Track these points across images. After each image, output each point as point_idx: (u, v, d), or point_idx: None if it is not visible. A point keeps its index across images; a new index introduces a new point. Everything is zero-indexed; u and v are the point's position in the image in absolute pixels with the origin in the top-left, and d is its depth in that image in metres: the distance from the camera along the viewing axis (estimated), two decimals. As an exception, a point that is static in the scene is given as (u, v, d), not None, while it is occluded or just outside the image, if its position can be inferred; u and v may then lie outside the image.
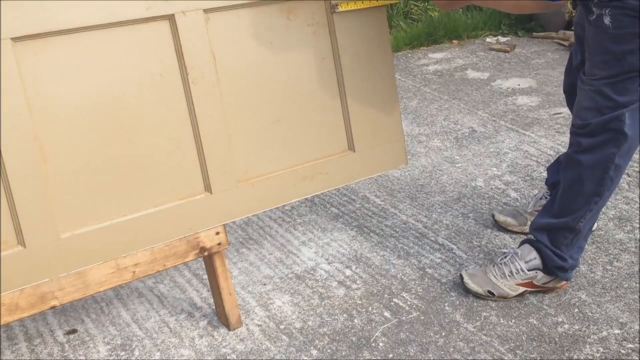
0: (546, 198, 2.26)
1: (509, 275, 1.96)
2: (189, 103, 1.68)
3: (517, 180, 2.69)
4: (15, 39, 1.45)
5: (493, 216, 2.36)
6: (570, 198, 1.90)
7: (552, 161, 2.35)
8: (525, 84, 3.80)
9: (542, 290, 1.98)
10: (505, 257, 2.00)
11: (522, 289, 1.96)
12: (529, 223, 2.21)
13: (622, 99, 1.76)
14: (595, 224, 2.21)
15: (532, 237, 2.00)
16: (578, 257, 1.98)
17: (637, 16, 1.68)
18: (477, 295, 1.98)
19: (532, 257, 1.96)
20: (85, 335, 1.93)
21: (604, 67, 1.76)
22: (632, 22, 1.69)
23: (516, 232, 2.29)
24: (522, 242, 2.03)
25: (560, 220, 1.91)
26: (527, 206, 2.34)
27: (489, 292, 1.96)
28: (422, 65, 4.21)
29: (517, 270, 1.96)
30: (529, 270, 1.95)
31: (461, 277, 2.02)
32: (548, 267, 1.95)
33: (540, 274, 1.95)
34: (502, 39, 4.65)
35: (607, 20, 1.71)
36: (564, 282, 1.99)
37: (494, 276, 1.98)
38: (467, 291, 2.00)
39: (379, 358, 1.79)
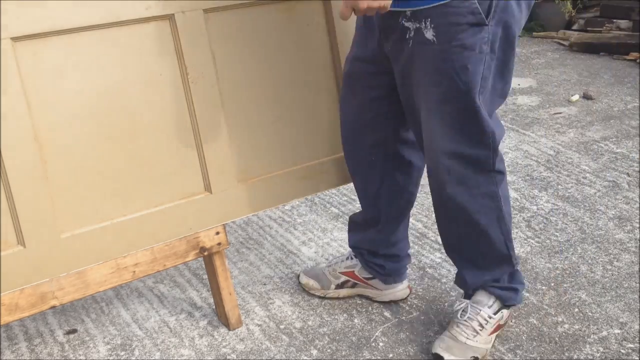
0: (352, 258, 2.01)
1: (478, 332, 1.75)
2: (189, 103, 1.68)
3: (517, 180, 2.69)
4: (15, 39, 1.45)
5: (298, 277, 2.11)
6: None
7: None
8: (525, 83, 3.80)
9: (504, 323, 1.83)
10: (461, 317, 1.77)
11: (493, 336, 1.79)
12: (332, 287, 2.01)
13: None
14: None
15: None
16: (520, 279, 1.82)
17: (465, 23, 1.46)
18: None
19: (492, 301, 1.77)
20: (85, 335, 1.93)
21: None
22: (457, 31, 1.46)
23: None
24: (473, 291, 1.81)
25: (496, 273, 1.76)
26: (331, 266, 2.04)
27: (475, 358, 1.73)
28: (422, 65, 4.20)
29: (484, 320, 1.75)
30: (494, 313, 1.77)
31: (441, 357, 1.72)
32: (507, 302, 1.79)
33: (505, 312, 1.79)
34: (502, 39, 4.64)
35: (429, 34, 1.49)
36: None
37: (467, 338, 1.74)
38: None
39: (379, 358, 1.79)
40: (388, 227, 1.90)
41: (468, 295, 1.81)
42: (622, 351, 1.77)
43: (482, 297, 1.78)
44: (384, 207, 1.86)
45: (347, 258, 2.02)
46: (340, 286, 2.01)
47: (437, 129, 1.58)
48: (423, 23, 1.48)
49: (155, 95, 1.64)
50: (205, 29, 1.66)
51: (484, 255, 1.74)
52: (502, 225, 1.69)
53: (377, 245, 1.93)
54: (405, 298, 1.99)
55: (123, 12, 1.56)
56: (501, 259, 1.74)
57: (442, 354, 1.72)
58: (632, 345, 1.79)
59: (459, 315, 1.77)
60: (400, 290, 1.99)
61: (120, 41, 1.58)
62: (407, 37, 1.52)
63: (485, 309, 1.76)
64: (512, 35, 1.52)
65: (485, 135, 1.58)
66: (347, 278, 1.99)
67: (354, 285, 2.00)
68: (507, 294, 1.78)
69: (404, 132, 1.78)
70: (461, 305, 1.79)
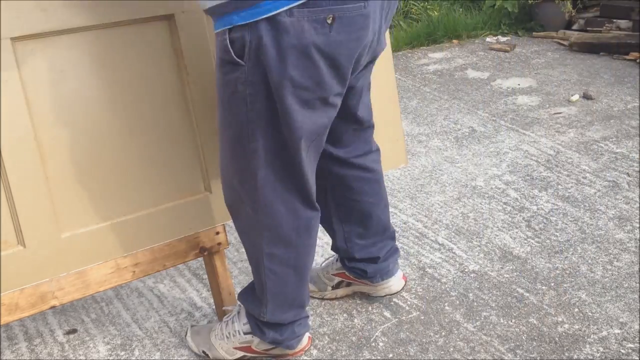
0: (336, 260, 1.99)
1: (227, 337, 1.74)
2: (189, 103, 1.68)
3: (517, 180, 2.69)
4: (15, 39, 1.45)
5: None
6: None
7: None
8: (525, 83, 3.80)
9: (267, 355, 1.75)
10: (229, 316, 1.77)
11: (240, 353, 1.74)
12: (329, 288, 2.01)
13: None
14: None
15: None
16: (290, 334, 1.70)
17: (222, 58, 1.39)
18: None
19: (247, 320, 1.73)
20: (85, 335, 1.93)
21: None
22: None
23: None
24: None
25: (252, 305, 1.69)
26: (324, 268, 2.03)
27: (204, 352, 1.76)
28: (422, 65, 4.21)
29: (234, 332, 1.73)
30: (245, 333, 1.72)
31: (186, 331, 1.83)
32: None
33: (256, 340, 1.71)
34: (502, 39, 4.65)
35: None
36: (296, 350, 1.75)
37: (215, 336, 1.75)
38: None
39: (379, 358, 1.79)
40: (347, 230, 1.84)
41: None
42: (622, 351, 1.77)
43: (243, 311, 1.74)
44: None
45: (337, 260, 1.99)
46: (336, 287, 2.00)
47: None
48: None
49: (155, 95, 1.64)
50: (205, 29, 1.66)
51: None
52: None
53: (350, 250, 1.88)
54: (402, 288, 1.96)
55: (123, 12, 1.56)
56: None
57: (188, 332, 1.83)
58: (632, 345, 1.79)
59: (225, 316, 1.80)
60: (393, 283, 1.93)
61: (120, 41, 1.58)
62: None
63: (240, 324, 1.73)
64: (272, 81, 1.36)
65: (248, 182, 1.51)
66: (340, 279, 1.99)
67: (349, 284, 1.99)
68: (258, 327, 1.69)
69: None
70: (231, 308, 1.82)
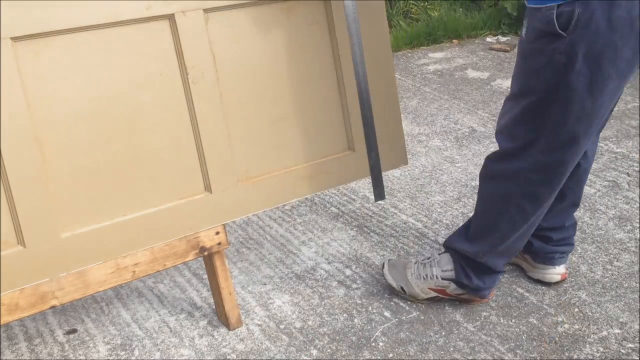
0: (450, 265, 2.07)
1: (423, 278, 1.94)
2: (189, 103, 1.68)
3: (517, 180, 2.69)
4: (15, 39, 1.45)
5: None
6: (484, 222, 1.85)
7: None
8: (525, 83, 3.80)
9: (457, 299, 1.95)
10: (427, 259, 1.97)
11: (433, 294, 1.94)
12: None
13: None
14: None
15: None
16: (491, 284, 1.91)
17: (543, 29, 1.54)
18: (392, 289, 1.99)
19: (449, 267, 1.91)
20: (85, 335, 1.93)
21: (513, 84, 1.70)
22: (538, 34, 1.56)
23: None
24: (445, 250, 1.97)
25: (468, 248, 1.86)
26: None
27: (402, 288, 1.96)
28: (422, 65, 4.21)
29: (432, 275, 1.93)
30: (443, 279, 1.92)
31: (383, 265, 2.02)
32: (457, 281, 1.91)
33: (452, 285, 1.92)
34: (502, 39, 4.65)
35: (523, 30, 1.62)
36: (485, 299, 1.95)
37: (411, 274, 1.96)
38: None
39: (379, 358, 1.79)
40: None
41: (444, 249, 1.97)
42: (622, 351, 1.77)
43: (444, 259, 1.93)
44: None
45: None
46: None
47: None
48: (524, 22, 1.61)
49: (155, 96, 1.64)
50: (205, 29, 1.66)
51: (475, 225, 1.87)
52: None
53: None
54: (556, 283, 2.00)
55: (123, 12, 1.56)
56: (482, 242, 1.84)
57: (385, 265, 2.02)
58: (632, 345, 1.79)
59: (421, 258, 1.99)
60: (549, 273, 2.00)
61: (120, 41, 1.58)
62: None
63: (438, 269, 1.92)
64: (596, 52, 1.51)
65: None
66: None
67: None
68: (461, 276, 1.88)
69: None
70: (428, 255, 2.02)
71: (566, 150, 1.65)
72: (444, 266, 1.92)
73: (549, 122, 1.62)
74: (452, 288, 1.92)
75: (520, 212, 1.76)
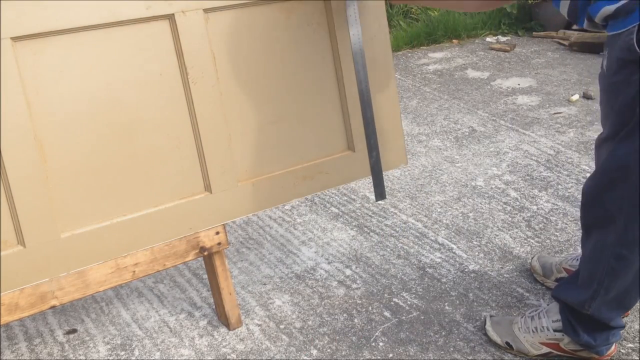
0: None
1: (532, 331, 1.74)
2: (189, 103, 1.68)
3: (517, 180, 2.69)
4: (15, 39, 1.45)
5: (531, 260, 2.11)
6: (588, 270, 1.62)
7: None
8: (525, 83, 3.80)
9: (574, 356, 1.73)
10: (535, 311, 1.77)
11: (546, 349, 1.73)
12: (552, 278, 2.00)
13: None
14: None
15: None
16: (604, 340, 1.66)
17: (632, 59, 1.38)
18: (496, 346, 1.80)
19: (559, 317, 1.71)
20: (85, 335, 1.93)
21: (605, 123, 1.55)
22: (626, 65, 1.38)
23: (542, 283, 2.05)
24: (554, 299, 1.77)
25: (574, 297, 1.64)
26: (561, 261, 2.02)
27: (507, 343, 1.77)
28: (422, 65, 4.21)
29: (541, 327, 1.73)
30: (555, 330, 1.71)
31: (484, 321, 1.86)
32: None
33: (567, 339, 1.70)
34: (502, 39, 4.65)
35: (603, 62, 1.46)
36: (604, 356, 1.71)
37: (519, 329, 1.76)
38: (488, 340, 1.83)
39: (379, 358, 1.79)
40: None
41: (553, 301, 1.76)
42: (622, 351, 1.77)
43: (553, 308, 1.74)
44: None
45: (577, 259, 1.84)
46: (557, 280, 1.89)
47: None
48: (605, 52, 1.46)
49: (155, 95, 1.64)
50: (205, 29, 1.66)
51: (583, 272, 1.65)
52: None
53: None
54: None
55: (123, 12, 1.56)
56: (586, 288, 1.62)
57: (487, 322, 1.83)
58: (632, 345, 1.79)
59: (528, 312, 1.79)
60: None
61: (120, 41, 1.58)
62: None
63: (549, 320, 1.72)
64: None
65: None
66: (566, 275, 1.84)
67: None
68: (569, 330, 1.68)
69: None
70: (537, 305, 1.81)
71: None
72: (554, 316, 1.72)
73: None
74: (566, 342, 1.70)
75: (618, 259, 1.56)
